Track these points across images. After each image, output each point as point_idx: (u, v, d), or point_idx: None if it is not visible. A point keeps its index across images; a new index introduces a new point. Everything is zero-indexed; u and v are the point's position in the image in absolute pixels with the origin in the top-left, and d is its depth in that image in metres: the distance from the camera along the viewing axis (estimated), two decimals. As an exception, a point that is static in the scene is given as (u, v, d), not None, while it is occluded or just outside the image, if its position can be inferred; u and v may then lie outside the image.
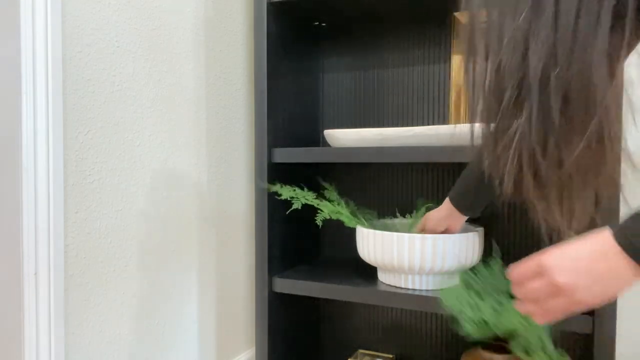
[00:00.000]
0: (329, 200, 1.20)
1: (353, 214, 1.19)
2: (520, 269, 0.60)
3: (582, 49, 0.46)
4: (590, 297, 0.54)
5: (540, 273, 0.58)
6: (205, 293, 1.34)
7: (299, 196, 1.16)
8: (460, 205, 1.04)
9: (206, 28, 1.32)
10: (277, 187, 1.19)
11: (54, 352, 0.94)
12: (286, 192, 1.17)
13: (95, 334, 1.03)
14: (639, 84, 0.61)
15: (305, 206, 1.37)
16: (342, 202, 1.18)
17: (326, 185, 1.23)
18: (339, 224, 1.45)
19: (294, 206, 1.16)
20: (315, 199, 1.17)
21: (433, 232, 1.08)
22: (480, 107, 0.52)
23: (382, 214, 1.39)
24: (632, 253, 0.51)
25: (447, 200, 1.06)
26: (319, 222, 1.14)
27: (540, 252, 0.59)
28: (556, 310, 0.57)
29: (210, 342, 1.37)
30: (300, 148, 1.17)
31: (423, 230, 1.11)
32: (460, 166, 1.30)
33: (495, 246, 1.19)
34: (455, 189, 1.05)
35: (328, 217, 1.14)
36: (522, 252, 1.24)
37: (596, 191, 0.54)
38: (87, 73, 0.99)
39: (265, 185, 1.18)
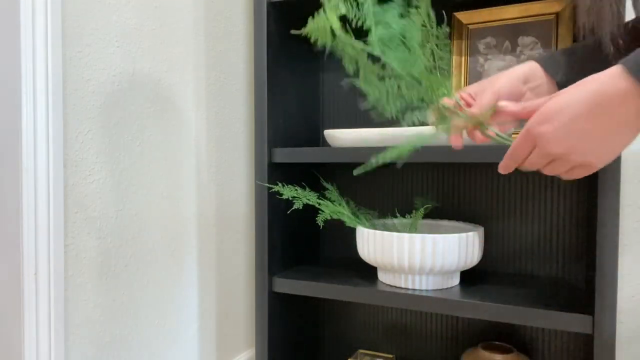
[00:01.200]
0: (330, 201, 1.20)
1: (353, 214, 1.19)
2: (513, 144, 0.54)
3: None
4: (593, 157, 0.47)
5: (532, 142, 0.51)
6: (205, 293, 1.34)
7: (300, 196, 1.16)
8: (546, 64, 0.71)
9: (206, 28, 1.32)
10: (278, 187, 1.19)
11: (54, 352, 0.94)
12: (288, 192, 1.17)
13: (95, 334, 1.03)
14: None
15: (306, 206, 1.37)
16: (343, 202, 1.18)
17: (327, 185, 1.23)
18: (339, 224, 1.46)
19: (295, 206, 1.16)
20: (317, 199, 1.17)
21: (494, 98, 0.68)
22: None
23: (382, 214, 1.39)
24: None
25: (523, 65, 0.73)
26: (320, 222, 1.14)
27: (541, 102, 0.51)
28: (563, 169, 0.50)
29: (210, 342, 1.37)
30: (300, 148, 1.17)
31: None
32: (460, 166, 1.30)
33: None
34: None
35: (329, 218, 1.14)
36: (522, 252, 1.24)
37: None
38: (87, 73, 0.99)
39: (265, 184, 1.18)
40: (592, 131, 0.46)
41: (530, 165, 0.53)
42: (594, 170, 0.50)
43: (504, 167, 0.56)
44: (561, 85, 0.69)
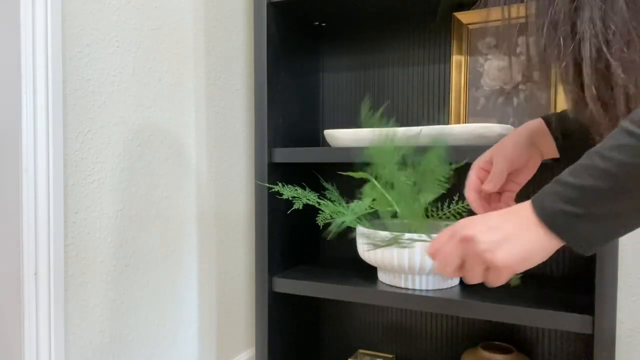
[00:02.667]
0: (330, 201, 1.19)
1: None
2: (436, 238, 0.59)
3: None
4: (501, 254, 0.52)
5: (452, 235, 0.56)
6: (205, 293, 1.34)
7: (300, 196, 1.16)
8: (552, 121, 0.75)
9: (206, 28, 1.32)
10: (278, 188, 1.19)
11: (54, 352, 0.94)
12: (288, 192, 1.17)
13: (95, 334, 1.03)
14: None
15: (306, 206, 1.37)
16: (343, 202, 1.18)
17: (327, 185, 1.23)
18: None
19: (295, 206, 1.16)
20: (317, 199, 1.17)
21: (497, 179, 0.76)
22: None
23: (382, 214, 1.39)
24: (539, 211, 0.50)
25: (525, 126, 0.77)
26: (320, 222, 1.14)
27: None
28: (473, 269, 0.55)
29: (210, 342, 1.37)
30: (300, 148, 1.17)
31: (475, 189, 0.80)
32: (460, 166, 1.30)
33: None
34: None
35: (329, 218, 1.14)
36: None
37: None
38: (87, 73, 0.99)
39: (266, 184, 1.18)
40: (501, 225, 0.53)
41: (445, 257, 0.57)
42: (503, 275, 0.54)
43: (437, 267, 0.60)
44: (558, 146, 0.74)
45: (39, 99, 0.90)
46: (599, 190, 0.46)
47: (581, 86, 0.52)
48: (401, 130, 1.08)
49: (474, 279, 0.55)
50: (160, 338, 1.19)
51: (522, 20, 0.58)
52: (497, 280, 0.54)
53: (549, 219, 0.49)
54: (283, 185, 1.20)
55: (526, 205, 0.52)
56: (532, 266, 0.52)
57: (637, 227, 0.48)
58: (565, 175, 0.49)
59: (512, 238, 0.51)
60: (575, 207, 0.48)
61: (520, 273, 0.60)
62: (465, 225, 0.55)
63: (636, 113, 0.44)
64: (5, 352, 0.93)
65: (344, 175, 1.44)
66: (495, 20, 1.21)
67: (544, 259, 0.52)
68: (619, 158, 0.44)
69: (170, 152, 1.20)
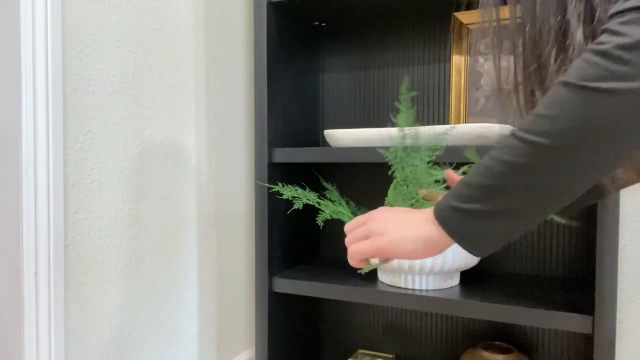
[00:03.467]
0: (330, 201, 1.19)
1: (353, 213, 1.19)
2: (352, 221, 0.64)
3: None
4: (396, 248, 0.56)
5: (365, 222, 0.61)
6: (205, 293, 1.34)
7: (300, 196, 1.16)
8: None
9: (206, 28, 1.32)
10: (278, 188, 1.19)
11: (54, 352, 0.94)
12: (288, 192, 1.17)
13: (95, 334, 1.03)
14: None
15: (306, 206, 1.37)
16: (343, 202, 1.18)
17: (327, 185, 1.23)
18: (339, 223, 1.46)
19: (295, 206, 1.16)
20: (317, 199, 1.17)
21: None
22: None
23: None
24: (437, 214, 0.52)
25: None
26: (319, 222, 1.14)
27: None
28: (361, 251, 0.59)
29: (210, 342, 1.37)
30: (300, 148, 1.17)
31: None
32: (460, 166, 1.30)
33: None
34: None
35: (329, 218, 1.14)
36: (522, 252, 1.24)
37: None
38: (87, 73, 0.99)
39: (266, 184, 1.18)
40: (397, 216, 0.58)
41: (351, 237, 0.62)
42: (387, 251, 0.57)
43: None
44: None
45: (39, 99, 0.90)
46: (483, 187, 0.47)
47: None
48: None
49: (357, 246, 0.59)
50: (160, 338, 1.19)
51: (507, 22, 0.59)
52: (368, 251, 0.58)
53: (439, 213, 0.52)
54: (283, 186, 1.20)
55: (429, 211, 0.56)
56: (421, 258, 0.56)
57: (527, 227, 0.49)
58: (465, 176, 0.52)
59: (408, 228, 0.55)
60: (462, 203, 0.49)
61: (383, 260, 0.63)
62: (374, 218, 0.59)
63: (527, 120, 0.45)
64: (5, 352, 0.93)
65: (344, 175, 1.44)
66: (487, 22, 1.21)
67: (436, 254, 0.55)
68: (503, 158, 0.46)
69: (170, 152, 1.20)
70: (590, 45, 0.41)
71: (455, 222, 0.50)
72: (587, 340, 1.18)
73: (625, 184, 0.60)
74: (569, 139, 0.42)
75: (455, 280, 1.13)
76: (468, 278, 1.19)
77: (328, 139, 1.19)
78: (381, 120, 1.39)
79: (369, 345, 1.43)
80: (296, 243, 1.34)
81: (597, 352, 0.92)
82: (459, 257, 1.05)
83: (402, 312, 1.39)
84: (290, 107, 1.29)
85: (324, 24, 1.41)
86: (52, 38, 0.91)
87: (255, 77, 1.19)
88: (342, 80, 1.43)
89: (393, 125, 1.37)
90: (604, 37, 0.40)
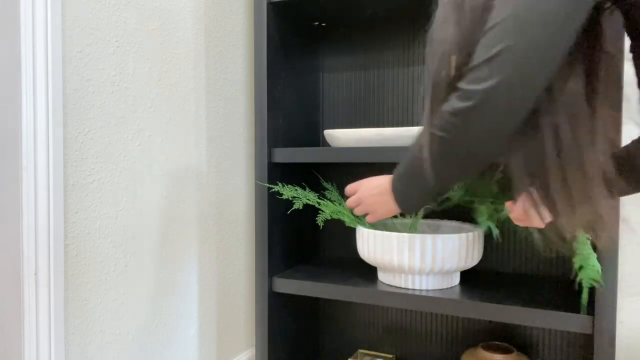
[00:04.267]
0: (330, 201, 1.19)
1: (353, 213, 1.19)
2: (350, 187, 0.94)
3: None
4: (372, 209, 0.88)
5: (356, 189, 0.93)
6: (205, 293, 1.34)
7: (300, 196, 1.16)
8: None
9: (206, 28, 1.32)
10: (278, 187, 1.19)
11: (54, 352, 0.94)
12: (288, 192, 1.17)
13: (95, 334, 1.03)
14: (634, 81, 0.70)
15: (306, 206, 1.37)
16: (343, 202, 1.18)
17: (327, 185, 1.23)
18: (339, 223, 1.46)
19: (295, 206, 1.16)
20: (317, 199, 1.17)
21: None
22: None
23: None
24: (393, 190, 0.80)
25: None
26: (320, 222, 1.14)
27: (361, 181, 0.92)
28: (361, 210, 0.91)
29: (210, 342, 1.37)
30: (300, 148, 1.17)
31: None
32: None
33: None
34: None
35: (329, 218, 1.14)
36: (522, 252, 1.24)
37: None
38: (87, 73, 0.99)
39: (265, 184, 1.18)
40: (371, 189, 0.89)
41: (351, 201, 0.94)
42: (375, 215, 0.89)
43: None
44: None
45: (39, 99, 0.90)
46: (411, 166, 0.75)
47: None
48: (398, 131, 1.08)
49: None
50: (160, 338, 1.19)
51: None
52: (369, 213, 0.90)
53: (392, 182, 0.80)
54: (283, 186, 1.20)
55: (388, 183, 0.83)
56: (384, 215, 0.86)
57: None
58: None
59: (379, 205, 0.86)
60: (398, 169, 0.78)
61: None
62: (359, 193, 0.91)
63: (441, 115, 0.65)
64: (5, 352, 0.93)
65: (344, 175, 1.44)
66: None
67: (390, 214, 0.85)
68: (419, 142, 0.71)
69: (170, 152, 1.20)
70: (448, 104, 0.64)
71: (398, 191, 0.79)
72: (587, 340, 1.18)
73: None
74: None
75: (455, 280, 1.13)
76: (468, 278, 1.19)
77: (328, 139, 1.19)
78: (381, 120, 1.39)
79: (369, 345, 1.43)
80: (296, 243, 1.34)
81: (597, 352, 0.92)
82: (459, 257, 1.05)
83: (402, 312, 1.39)
84: (290, 107, 1.29)
85: (324, 24, 1.41)
86: (52, 38, 0.91)
87: (255, 78, 1.19)
88: (342, 80, 1.43)
89: (393, 125, 1.37)
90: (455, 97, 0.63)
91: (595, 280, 0.93)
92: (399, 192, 0.78)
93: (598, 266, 0.92)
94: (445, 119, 0.64)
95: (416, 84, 1.35)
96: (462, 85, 0.61)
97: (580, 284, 1.01)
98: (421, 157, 0.69)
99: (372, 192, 0.87)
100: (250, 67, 1.50)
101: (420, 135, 0.70)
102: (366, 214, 0.91)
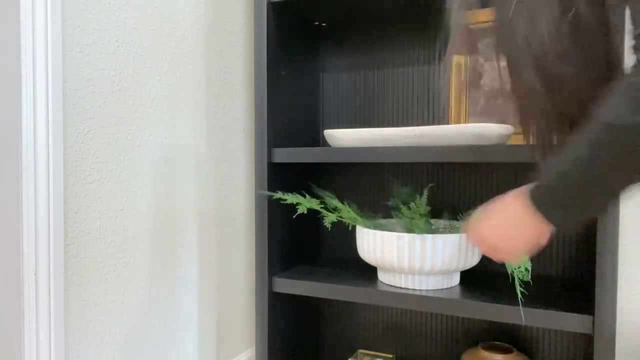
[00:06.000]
0: (334, 208, 1.19)
1: (355, 214, 1.19)
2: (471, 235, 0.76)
3: None
4: (512, 250, 0.68)
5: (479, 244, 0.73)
6: (205, 293, 1.34)
7: (303, 202, 1.16)
8: None
9: (206, 28, 1.32)
10: (279, 195, 1.19)
11: (54, 352, 0.94)
12: (291, 198, 1.17)
13: (95, 334, 1.03)
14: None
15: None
16: (346, 205, 1.18)
17: (327, 193, 1.22)
18: (339, 224, 1.46)
19: (299, 211, 1.15)
20: (319, 204, 1.17)
21: None
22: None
23: (382, 214, 1.39)
24: (538, 206, 0.62)
25: None
26: (327, 224, 1.14)
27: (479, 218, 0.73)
28: (499, 256, 0.71)
29: (210, 342, 1.37)
30: (300, 148, 1.17)
31: None
32: (461, 166, 1.30)
33: None
34: None
35: (336, 220, 1.14)
36: (522, 252, 1.24)
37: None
38: (87, 73, 0.99)
39: (266, 192, 1.18)
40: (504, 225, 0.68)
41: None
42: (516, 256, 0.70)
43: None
44: None
45: (39, 99, 0.90)
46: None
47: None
48: (398, 131, 1.08)
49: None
50: (160, 338, 1.19)
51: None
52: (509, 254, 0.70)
53: (534, 199, 0.63)
54: (284, 193, 1.20)
55: (525, 207, 0.65)
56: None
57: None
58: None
59: (520, 240, 0.67)
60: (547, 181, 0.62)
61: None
62: (482, 242, 0.71)
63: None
64: (5, 352, 0.93)
65: (344, 175, 1.44)
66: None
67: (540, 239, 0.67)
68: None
69: (170, 152, 1.20)
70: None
71: (548, 207, 0.62)
72: (587, 340, 1.18)
73: None
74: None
75: (455, 280, 1.13)
76: (468, 278, 1.19)
77: (328, 139, 1.19)
78: (381, 120, 1.39)
79: (369, 345, 1.43)
80: (296, 243, 1.34)
81: (597, 352, 0.92)
82: (459, 257, 1.05)
83: (402, 312, 1.39)
84: (290, 107, 1.29)
85: (324, 24, 1.41)
86: (52, 38, 0.91)
87: (255, 77, 1.19)
88: (342, 80, 1.43)
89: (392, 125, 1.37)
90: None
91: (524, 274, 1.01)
92: (551, 206, 0.62)
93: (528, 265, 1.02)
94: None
95: (416, 84, 1.35)
96: None
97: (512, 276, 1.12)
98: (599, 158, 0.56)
99: (504, 231, 0.67)
100: (250, 67, 1.50)
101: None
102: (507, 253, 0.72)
